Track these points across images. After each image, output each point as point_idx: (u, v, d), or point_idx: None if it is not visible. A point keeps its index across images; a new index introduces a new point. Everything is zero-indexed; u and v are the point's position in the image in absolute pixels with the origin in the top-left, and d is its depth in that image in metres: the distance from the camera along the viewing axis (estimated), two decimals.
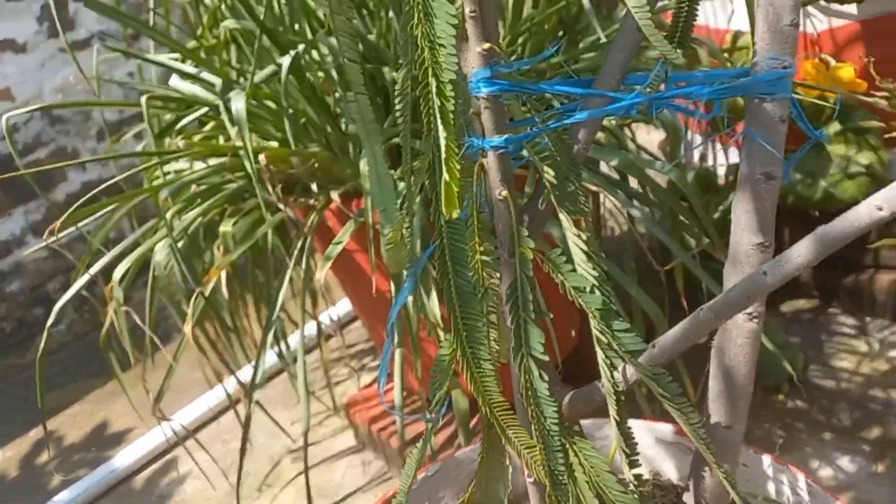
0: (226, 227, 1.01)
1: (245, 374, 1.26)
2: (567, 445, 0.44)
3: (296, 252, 1.01)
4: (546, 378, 0.42)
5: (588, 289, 0.42)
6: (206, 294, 0.94)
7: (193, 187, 1.09)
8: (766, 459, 0.62)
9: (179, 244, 0.99)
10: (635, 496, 0.43)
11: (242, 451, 0.99)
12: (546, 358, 0.41)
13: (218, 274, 0.95)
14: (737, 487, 0.42)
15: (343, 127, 1.10)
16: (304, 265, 1.00)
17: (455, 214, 0.34)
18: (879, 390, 1.24)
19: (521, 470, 0.79)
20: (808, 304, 1.44)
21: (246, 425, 0.99)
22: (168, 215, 0.94)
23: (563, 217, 0.42)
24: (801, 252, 0.35)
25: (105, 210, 1.00)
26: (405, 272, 0.47)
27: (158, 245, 1.01)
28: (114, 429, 1.57)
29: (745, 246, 0.45)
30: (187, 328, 0.91)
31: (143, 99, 1.01)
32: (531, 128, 0.42)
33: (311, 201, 1.07)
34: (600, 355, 0.43)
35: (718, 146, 1.50)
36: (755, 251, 0.44)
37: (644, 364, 0.41)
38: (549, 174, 0.41)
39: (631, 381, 0.44)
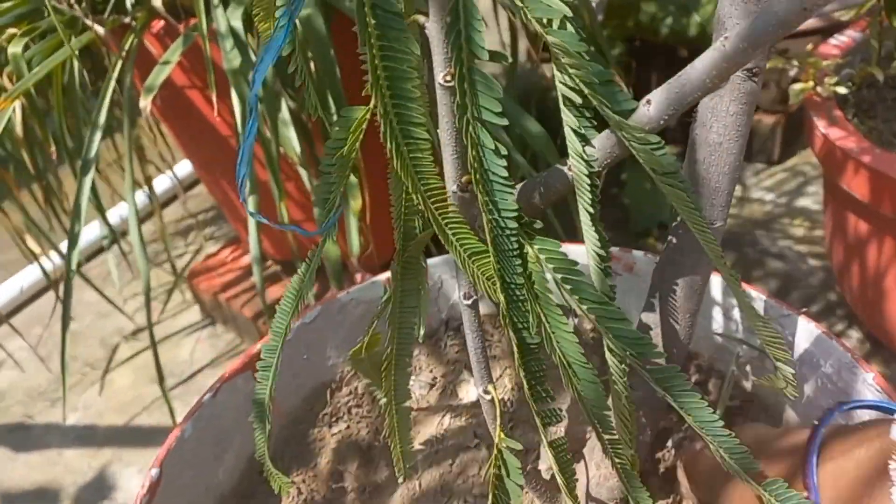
0: (15, 48, 0.78)
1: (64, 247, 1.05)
2: (527, 248, 0.32)
3: (112, 81, 0.80)
4: (504, 153, 0.29)
5: (557, 23, 0.29)
6: None
7: None
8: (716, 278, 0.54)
9: None
10: (612, 306, 0.32)
11: (64, 326, 0.81)
12: (503, 122, 0.29)
13: (10, 104, 0.73)
14: (730, 270, 0.33)
15: None
16: (125, 96, 0.80)
17: None
18: (751, 233, 1.23)
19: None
20: (676, 150, 1.40)
21: (66, 296, 0.80)
22: None
23: None
24: None
25: None
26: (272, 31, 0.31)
27: None
28: None
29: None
30: None
31: None
32: None
33: (127, 20, 0.86)
34: (571, 123, 0.31)
35: None
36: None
37: (637, 127, 0.30)
38: None
39: (609, 160, 0.32)
